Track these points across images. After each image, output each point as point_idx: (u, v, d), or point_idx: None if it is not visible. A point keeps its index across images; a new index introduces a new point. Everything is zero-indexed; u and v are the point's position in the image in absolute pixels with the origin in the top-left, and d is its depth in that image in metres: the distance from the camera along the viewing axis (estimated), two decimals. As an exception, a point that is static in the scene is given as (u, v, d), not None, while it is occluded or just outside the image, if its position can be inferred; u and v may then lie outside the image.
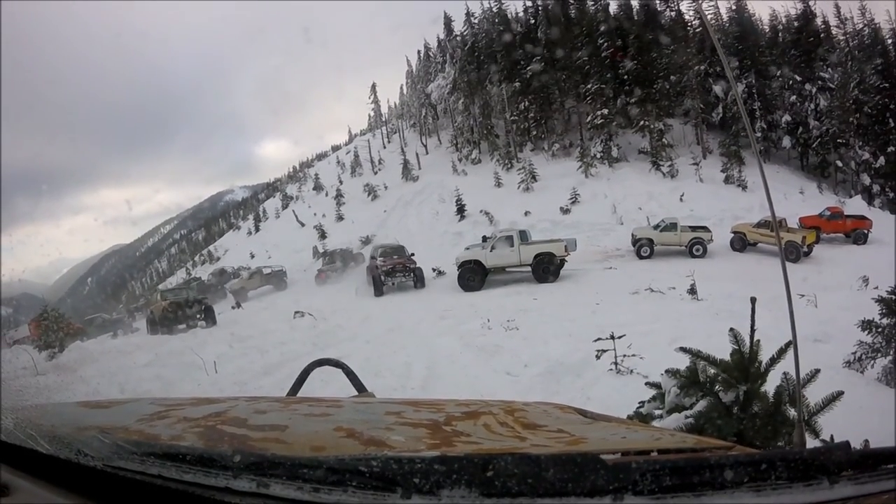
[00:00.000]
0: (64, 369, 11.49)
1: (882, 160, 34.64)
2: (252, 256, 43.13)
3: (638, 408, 3.14)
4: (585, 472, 0.57)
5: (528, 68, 40.33)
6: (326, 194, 49.95)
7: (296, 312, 17.30)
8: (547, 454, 0.62)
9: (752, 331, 2.61)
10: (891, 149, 34.71)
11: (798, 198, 30.44)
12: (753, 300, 2.60)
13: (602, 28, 38.53)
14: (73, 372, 10.96)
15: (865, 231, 24.89)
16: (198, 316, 19.94)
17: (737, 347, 2.63)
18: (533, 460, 0.58)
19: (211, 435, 1.03)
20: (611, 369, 7.98)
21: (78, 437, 0.86)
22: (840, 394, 2.60)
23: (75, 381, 9.89)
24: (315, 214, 44.78)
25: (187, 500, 0.67)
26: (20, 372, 11.08)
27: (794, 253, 20.98)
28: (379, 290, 20.81)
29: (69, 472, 0.78)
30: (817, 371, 2.63)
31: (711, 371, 2.60)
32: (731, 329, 2.70)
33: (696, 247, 22.81)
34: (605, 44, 38.00)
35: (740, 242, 23.59)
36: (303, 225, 44.35)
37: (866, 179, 34.78)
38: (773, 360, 2.63)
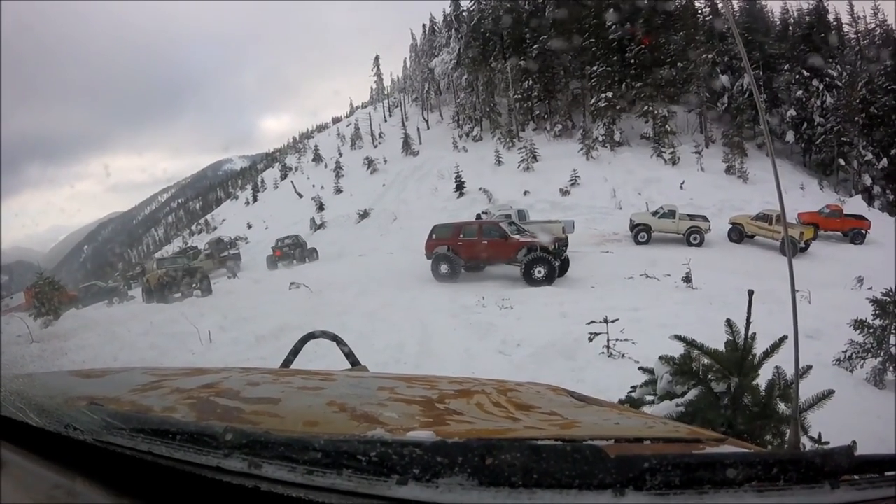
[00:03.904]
0: (58, 338, 11.47)
1: (885, 161, 34.61)
2: (249, 227, 43.08)
3: (630, 392, 3.16)
4: (587, 465, 0.56)
5: (534, 47, 39.96)
6: (326, 166, 49.83)
7: (291, 283, 17.33)
8: (548, 444, 0.62)
9: (748, 323, 2.61)
10: (894, 151, 34.66)
11: (798, 193, 30.47)
12: (751, 293, 2.60)
13: (611, 9, 38.05)
14: (68, 340, 10.94)
15: (863, 231, 24.94)
16: (193, 285, 19.98)
17: (731, 339, 2.64)
18: (534, 450, 0.57)
19: (203, 407, 1.03)
20: (603, 353, 8.01)
21: (67, 409, 0.85)
22: (830, 392, 2.61)
23: (70, 350, 9.90)
24: (313, 186, 44.71)
25: (178, 477, 0.66)
26: (15, 340, 11.11)
27: (790, 248, 21.02)
28: (552, 277, 15.47)
29: (59, 446, 0.77)
30: (809, 367, 2.64)
31: (705, 360, 2.61)
32: (728, 320, 2.70)
33: (694, 235, 22.82)
34: (613, 26, 37.58)
35: (738, 234, 23.63)
36: (301, 196, 44.29)
37: (867, 180, 34.77)
38: (767, 354, 2.64)
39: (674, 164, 34.17)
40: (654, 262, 16.73)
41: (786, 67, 37.58)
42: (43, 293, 14.46)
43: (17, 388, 0.98)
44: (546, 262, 15.64)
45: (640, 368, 3.19)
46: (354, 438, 0.63)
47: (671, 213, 23.42)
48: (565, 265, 16.51)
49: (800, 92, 36.73)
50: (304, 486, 0.60)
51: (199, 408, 1.02)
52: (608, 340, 8.12)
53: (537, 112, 42.15)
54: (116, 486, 0.69)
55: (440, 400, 1.13)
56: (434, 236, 18.01)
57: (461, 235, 17.60)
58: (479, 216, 23.85)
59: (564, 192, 31.86)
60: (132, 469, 0.70)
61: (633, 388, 3.13)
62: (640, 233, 23.40)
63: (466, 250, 17.21)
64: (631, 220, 24.18)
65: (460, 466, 0.56)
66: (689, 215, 23.74)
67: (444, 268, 17.27)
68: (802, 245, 21.72)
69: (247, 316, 11.79)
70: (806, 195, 30.62)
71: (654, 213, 23.98)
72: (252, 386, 1.26)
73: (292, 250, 27.65)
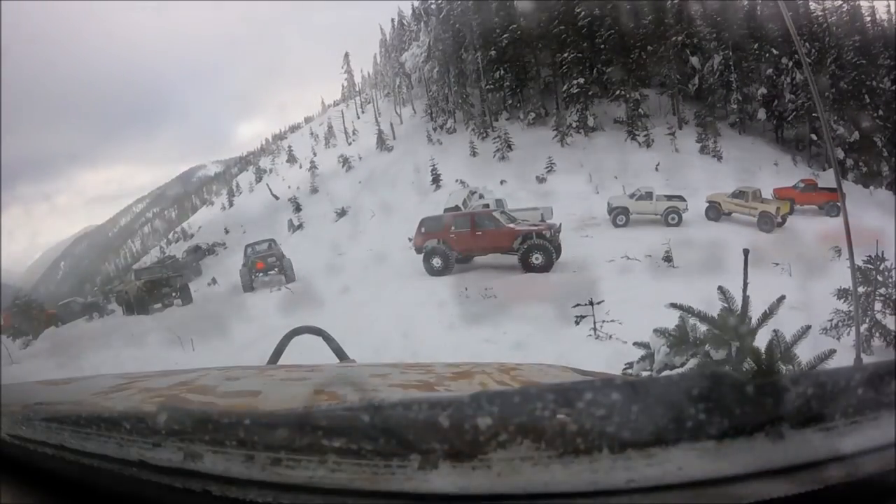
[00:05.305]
0: (38, 357, 11.34)
1: (856, 135, 35.13)
2: (227, 232, 42.64)
3: (625, 369, 3.10)
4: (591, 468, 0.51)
5: (504, 37, 39.91)
6: (300, 166, 49.42)
7: (273, 288, 17.22)
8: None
9: (745, 285, 2.57)
10: (865, 124, 35.18)
11: (773, 169, 30.86)
12: (746, 252, 2.56)
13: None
14: (49, 359, 10.79)
15: (838, 203, 25.22)
16: (173, 294, 19.71)
17: (726, 305, 2.60)
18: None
19: (172, 404, 0.94)
20: (590, 335, 8.02)
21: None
22: (832, 352, 2.59)
23: (50, 370, 9.74)
24: (289, 187, 44.29)
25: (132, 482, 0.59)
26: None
27: (768, 223, 21.42)
28: (550, 263, 15.39)
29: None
30: (808, 327, 2.61)
31: (702, 328, 2.56)
32: (720, 287, 2.66)
33: (672, 216, 22.97)
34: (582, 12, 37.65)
35: (715, 212, 23.83)
36: (277, 198, 43.85)
37: (840, 153, 35.22)
38: (766, 316, 2.60)
39: (648, 146, 34.43)
40: (634, 244, 16.84)
41: (755, 46, 37.86)
42: (21, 314, 14.31)
43: None
44: (544, 248, 15.40)
45: (634, 344, 3.14)
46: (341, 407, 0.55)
47: (648, 195, 23.58)
48: (558, 251, 16.28)
49: (769, 70, 37.08)
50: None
51: (167, 405, 0.93)
52: (595, 322, 8.12)
53: (510, 101, 42.09)
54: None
55: (438, 383, 1.08)
56: (423, 230, 17.44)
57: (452, 227, 17.14)
58: (456, 208, 23.46)
59: (541, 180, 31.92)
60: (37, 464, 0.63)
61: (629, 365, 3.08)
62: (619, 216, 23.52)
63: (459, 242, 16.76)
64: (609, 204, 24.31)
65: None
66: (666, 196, 23.92)
67: (436, 261, 16.73)
68: (780, 220, 22.01)
69: (230, 321, 11.66)
70: (780, 171, 31.03)
71: (632, 196, 24.14)
72: (230, 381, 1.18)
73: (277, 261, 21.09)
